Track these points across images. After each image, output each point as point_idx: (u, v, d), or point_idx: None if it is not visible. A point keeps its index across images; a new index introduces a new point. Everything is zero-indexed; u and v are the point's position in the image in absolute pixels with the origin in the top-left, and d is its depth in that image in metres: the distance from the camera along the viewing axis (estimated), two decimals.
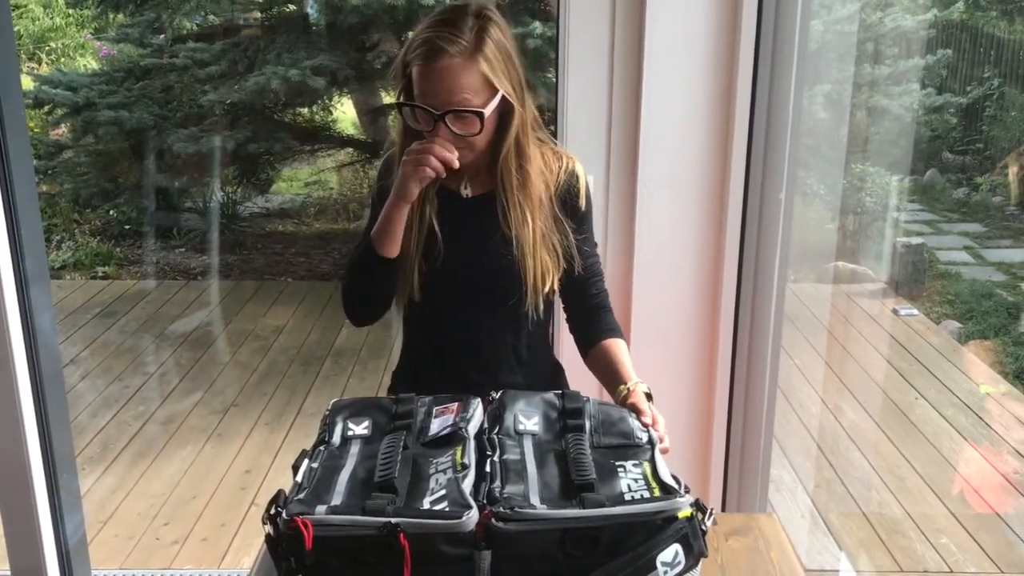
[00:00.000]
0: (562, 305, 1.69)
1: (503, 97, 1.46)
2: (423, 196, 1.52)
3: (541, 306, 1.58)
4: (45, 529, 2.14)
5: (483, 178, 1.58)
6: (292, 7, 6.19)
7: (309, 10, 6.25)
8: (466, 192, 1.58)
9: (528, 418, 1.31)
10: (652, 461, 1.23)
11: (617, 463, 1.21)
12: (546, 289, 1.56)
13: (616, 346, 1.60)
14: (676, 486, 1.18)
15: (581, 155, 1.69)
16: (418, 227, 1.54)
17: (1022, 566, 3.12)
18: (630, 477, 1.18)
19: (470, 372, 1.59)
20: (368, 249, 1.52)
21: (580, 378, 1.69)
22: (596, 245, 1.68)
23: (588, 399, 1.36)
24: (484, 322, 1.60)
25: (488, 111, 1.44)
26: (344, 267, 1.65)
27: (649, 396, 1.47)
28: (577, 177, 1.61)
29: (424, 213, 1.54)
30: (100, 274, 6.19)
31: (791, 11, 1.99)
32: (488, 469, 1.19)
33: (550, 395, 1.37)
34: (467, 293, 1.57)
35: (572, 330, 1.69)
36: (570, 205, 1.60)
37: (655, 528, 1.11)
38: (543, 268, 1.55)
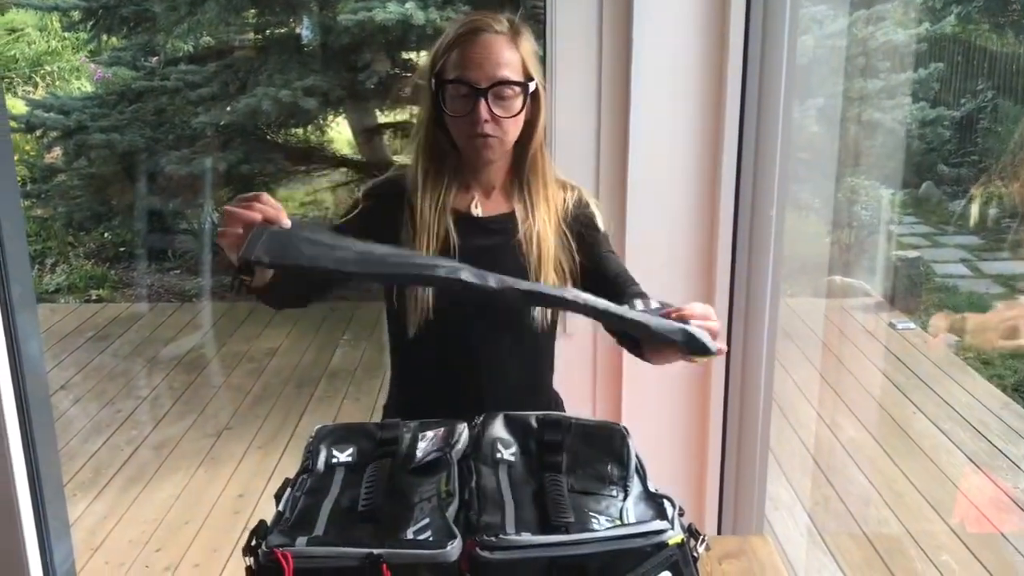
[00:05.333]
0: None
1: (533, 94, 1.48)
2: (439, 217, 1.50)
3: (545, 327, 1.57)
4: (32, 558, 2.11)
5: (493, 197, 1.57)
6: (285, 28, 6.19)
7: (304, 31, 6.25)
8: (477, 212, 1.56)
9: (506, 447, 1.26)
10: (622, 517, 1.16)
11: (591, 512, 1.15)
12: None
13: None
14: (669, 508, 1.15)
15: (570, 172, 1.68)
16: (438, 249, 1.49)
17: None
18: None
19: (469, 404, 1.41)
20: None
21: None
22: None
23: (572, 424, 1.29)
24: (490, 349, 1.56)
25: (531, 88, 1.47)
26: None
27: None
28: (587, 203, 1.62)
29: (445, 235, 1.50)
30: (94, 297, 6.16)
31: (779, 26, 1.98)
32: (467, 496, 1.16)
33: (531, 419, 1.31)
34: (479, 316, 1.52)
35: (621, 343, 1.58)
36: (590, 230, 1.59)
37: (644, 556, 1.08)
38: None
